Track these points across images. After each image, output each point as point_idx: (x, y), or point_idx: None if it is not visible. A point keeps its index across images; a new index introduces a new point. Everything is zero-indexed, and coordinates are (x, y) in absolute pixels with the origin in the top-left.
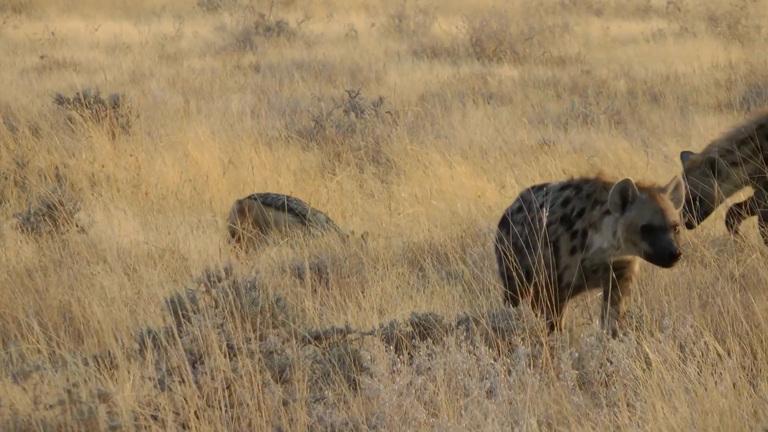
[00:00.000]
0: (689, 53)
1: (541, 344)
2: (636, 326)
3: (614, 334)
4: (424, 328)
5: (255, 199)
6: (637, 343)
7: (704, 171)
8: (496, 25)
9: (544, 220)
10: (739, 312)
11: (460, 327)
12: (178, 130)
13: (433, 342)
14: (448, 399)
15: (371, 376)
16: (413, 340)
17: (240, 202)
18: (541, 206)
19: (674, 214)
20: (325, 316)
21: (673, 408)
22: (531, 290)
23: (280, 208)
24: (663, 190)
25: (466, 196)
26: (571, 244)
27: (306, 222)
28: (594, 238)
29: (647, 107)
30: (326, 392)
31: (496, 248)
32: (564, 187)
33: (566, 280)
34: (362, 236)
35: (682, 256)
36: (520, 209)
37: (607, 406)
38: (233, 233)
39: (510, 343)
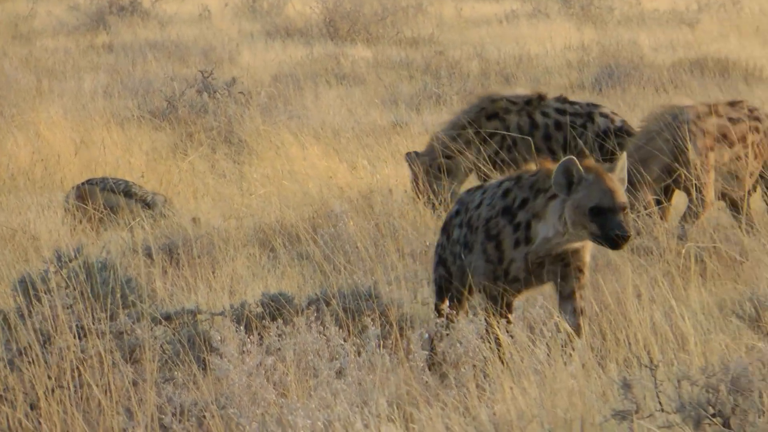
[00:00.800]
0: (542, 34)
1: (391, 325)
2: (486, 307)
3: (578, 331)
4: (274, 309)
5: (93, 184)
6: (487, 323)
7: (435, 174)
8: (349, 5)
9: (483, 214)
10: (589, 293)
11: (310, 307)
12: (31, 109)
13: (283, 322)
14: (298, 379)
15: (221, 357)
16: (263, 321)
17: (78, 187)
18: (480, 204)
19: (623, 194)
20: (176, 297)
21: (523, 389)
22: (467, 295)
23: (118, 193)
24: (611, 169)
25: (318, 176)
26: (514, 237)
27: (144, 205)
28: (538, 228)
29: (499, 88)
30: (176, 373)
31: (435, 254)
32: (502, 182)
33: (513, 275)
34: (193, 219)
35: (630, 239)
36: (458, 212)
37: (456, 386)
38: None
39: (360, 324)
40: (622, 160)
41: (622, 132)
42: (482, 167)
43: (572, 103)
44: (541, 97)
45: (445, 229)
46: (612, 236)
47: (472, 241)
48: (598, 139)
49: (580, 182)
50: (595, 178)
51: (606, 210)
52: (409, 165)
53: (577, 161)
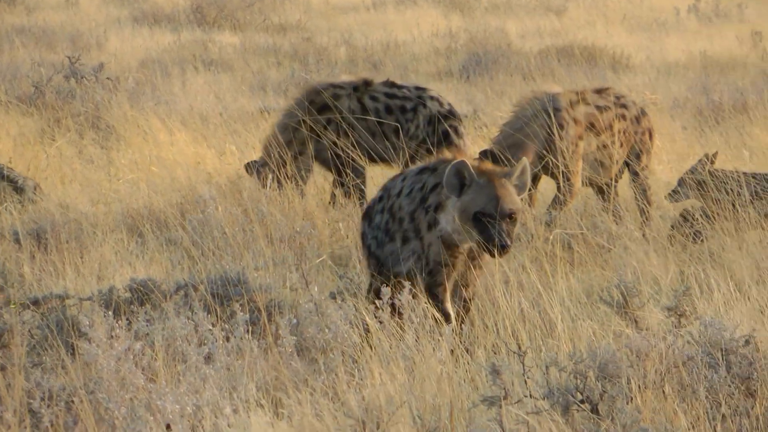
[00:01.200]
0: (409, 21)
1: (260, 310)
2: (354, 293)
3: (448, 318)
4: (142, 294)
5: None
6: (356, 309)
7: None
8: None
9: (404, 206)
10: (458, 279)
11: (178, 293)
12: None
13: (151, 308)
14: (167, 365)
15: (89, 342)
16: (132, 306)
17: None
18: (401, 192)
19: (512, 201)
20: (44, 282)
21: (392, 375)
22: (399, 278)
23: None
24: (507, 174)
25: (186, 162)
26: (426, 220)
27: (14, 188)
28: (440, 218)
29: (367, 75)
30: (44, 357)
31: (362, 242)
32: (422, 170)
33: (432, 258)
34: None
35: (510, 248)
36: (381, 199)
37: (325, 372)
38: None
39: (229, 310)
40: (522, 165)
41: (451, 115)
42: (331, 156)
43: (400, 87)
44: (367, 83)
45: (367, 215)
46: (491, 245)
47: (394, 230)
48: (429, 122)
49: (471, 185)
50: (486, 183)
51: (489, 216)
52: (252, 175)
53: (469, 164)
